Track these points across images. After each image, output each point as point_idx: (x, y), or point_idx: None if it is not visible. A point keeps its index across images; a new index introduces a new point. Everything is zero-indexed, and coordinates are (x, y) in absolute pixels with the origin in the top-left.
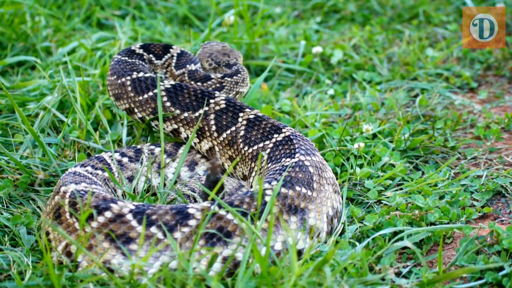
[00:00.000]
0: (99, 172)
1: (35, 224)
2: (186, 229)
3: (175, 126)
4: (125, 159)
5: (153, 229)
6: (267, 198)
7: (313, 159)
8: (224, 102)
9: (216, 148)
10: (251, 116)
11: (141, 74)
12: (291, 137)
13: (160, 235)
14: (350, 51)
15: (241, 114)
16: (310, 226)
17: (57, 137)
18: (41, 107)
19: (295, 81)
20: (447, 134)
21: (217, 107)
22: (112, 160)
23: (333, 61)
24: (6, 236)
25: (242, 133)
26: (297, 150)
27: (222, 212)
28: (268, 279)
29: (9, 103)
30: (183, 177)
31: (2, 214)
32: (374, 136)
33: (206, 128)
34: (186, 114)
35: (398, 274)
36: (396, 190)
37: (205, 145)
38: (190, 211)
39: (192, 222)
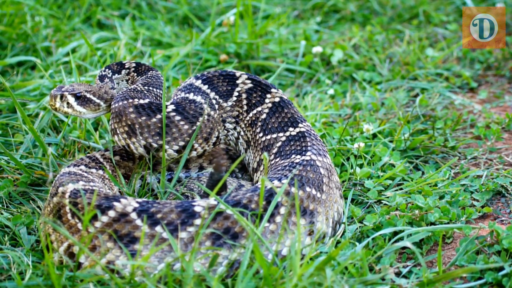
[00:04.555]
0: (93, 170)
1: (35, 224)
2: (192, 229)
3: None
4: (116, 157)
5: (158, 228)
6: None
7: (324, 160)
8: (249, 81)
9: (242, 133)
10: (277, 100)
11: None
12: (306, 134)
13: (165, 234)
14: (350, 51)
15: (268, 96)
16: (318, 230)
17: (57, 137)
18: (41, 107)
19: (295, 81)
20: (447, 134)
21: (246, 87)
22: (104, 159)
23: (333, 61)
24: (6, 236)
25: (264, 116)
26: (309, 148)
27: (229, 211)
28: (268, 279)
29: (9, 103)
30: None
31: (2, 214)
32: (374, 136)
33: (240, 111)
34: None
35: (398, 274)
36: (396, 190)
37: (237, 130)
38: (197, 209)
39: (198, 221)
